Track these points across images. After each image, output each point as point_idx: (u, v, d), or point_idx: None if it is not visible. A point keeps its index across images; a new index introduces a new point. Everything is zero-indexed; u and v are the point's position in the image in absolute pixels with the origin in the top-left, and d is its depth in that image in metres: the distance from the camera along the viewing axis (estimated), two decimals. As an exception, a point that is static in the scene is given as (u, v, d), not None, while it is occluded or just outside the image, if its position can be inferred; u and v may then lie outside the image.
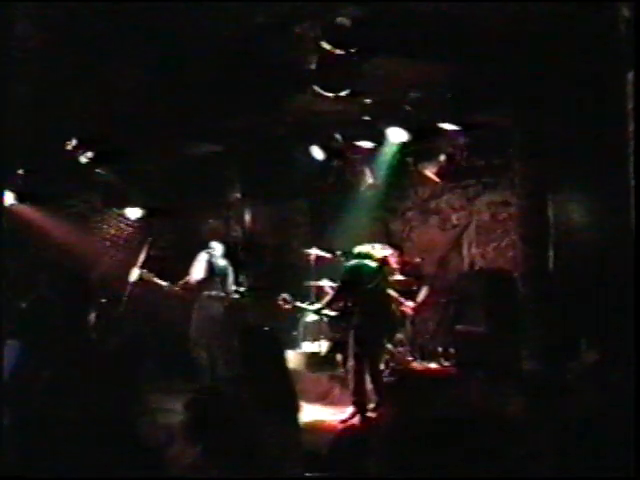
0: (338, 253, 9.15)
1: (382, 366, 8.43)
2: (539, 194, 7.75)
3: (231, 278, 8.08)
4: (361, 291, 7.31)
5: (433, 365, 8.74)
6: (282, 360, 3.91)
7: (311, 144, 9.07)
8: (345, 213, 10.31)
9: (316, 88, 6.84)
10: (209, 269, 7.86)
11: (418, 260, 9.52)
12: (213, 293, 7.80)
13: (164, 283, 7.76)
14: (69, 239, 9.85)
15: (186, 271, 8.12)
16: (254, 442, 2.78)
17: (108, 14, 5.68)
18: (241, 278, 8.38)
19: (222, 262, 8.08)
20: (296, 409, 3.65)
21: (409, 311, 9.09)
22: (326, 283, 9.11)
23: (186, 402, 2.84)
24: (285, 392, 3.60)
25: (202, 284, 7.85)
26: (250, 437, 2.78)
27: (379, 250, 9.40)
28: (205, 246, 8.28)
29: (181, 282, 7.86)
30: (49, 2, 5.60)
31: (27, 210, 9.36)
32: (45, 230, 9.74)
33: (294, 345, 8.85)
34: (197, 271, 7.77)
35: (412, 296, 9.12)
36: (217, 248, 7.92)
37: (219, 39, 6.26)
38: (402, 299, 9.05)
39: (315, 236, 10.31)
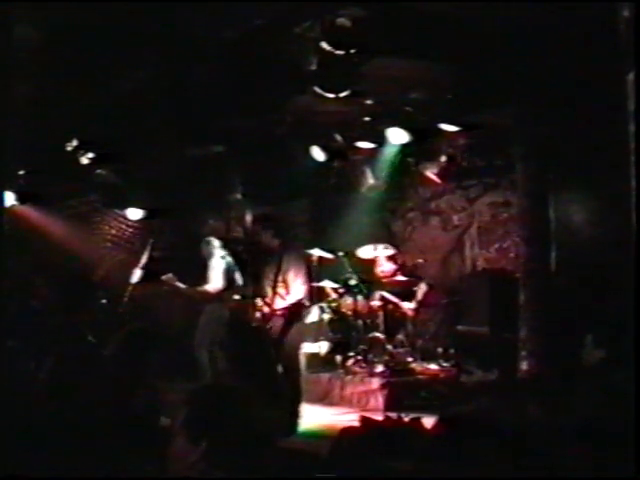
0: (339, 254, 9.17)
1: (381, 367, 8.45)
2: (540, 194, 7.75)
3: (242, 279, 7.98)
4: None
5: (433, 366, 8.72)
6: (272, 357, 3.93)
7: (312, 145, 9.06)
8: (346, 214, 10.31)
9: (316, 89, 6.83)
10: (227, 277, 7.78)
11: (419, 261, 9.52)
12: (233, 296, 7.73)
13: (183, 286, 7.71)
14: (70, 240, 9.85)
15: (189, 272, 8.09)
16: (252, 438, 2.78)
17: (108, 14, 5.68)
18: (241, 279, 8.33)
19: (231, 263, 7.99)
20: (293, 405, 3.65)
21: (409, 312, 9.10)
22: (327, 284, 9.12)
23: (185, 399, 2.84)
24: (277, 387, 3.61)
25: (221, 293, 7.78)
26: (248, 433, 2.78)
27: (381, 250, 9.43)
28: (205, 244, 8.23)
29: (200, 289, 7.78)
30: (49, 3, 5.60)
31: (28, 211, 9.36)
32: (46, 231, 9.74)
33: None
34: (215, 280, 7.71)
35: (411, 297, 9.12)
36: (216, 244, 7.87)
37: (219, 39, 6.26)
38: (400, 302, 9.06)
39: (316, 237, 10.31)
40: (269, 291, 7.14)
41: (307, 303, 7.27)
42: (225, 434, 2.72)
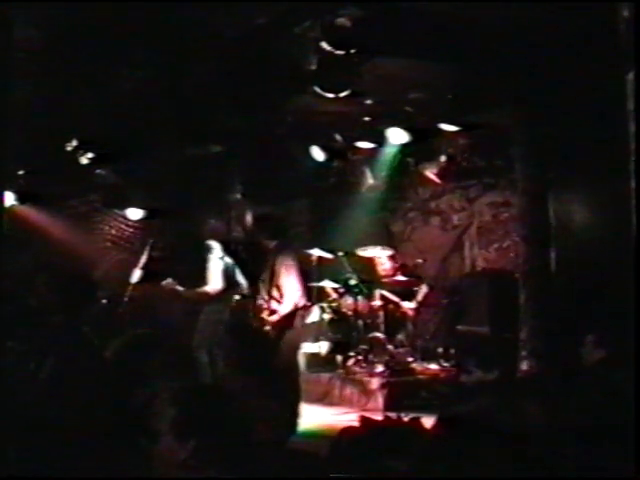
0: (339, 254, 9.18)
1: (381, 367, 8.45)
2: (540, 194, 7.75)
3: (242, 279, 7.96)
4: None
5: (433, 366, 8.72)
6: (270, 357, 3.94)
7: (311, 145, 9.07)
8: (346, 214, 10.31)
9: (316, 89, 6.84)
10: (226, 278, 7.76)
11: (419, 261, 9.52)
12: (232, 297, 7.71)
13: (183, 289, 7.70)
14: (70, 240, 9.85)
15: (188, 272, 8.08)
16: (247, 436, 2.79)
17: (108, 14, 5.68)
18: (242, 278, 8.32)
19: (230, 263, 7.97)
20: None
21: (409, 312, 9.10)
22: (327, 284, 9.12)
23: (171, 398, 2.83)
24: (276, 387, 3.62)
25: (220, 294, 7.77)
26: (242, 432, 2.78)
27: (379, 251, 9.43)
28: (206, 247, 8.23)
29: (199, 290, 7.77)
30: (49, 3, 5.60)
31: (28, 211, 9.36)
32: (46, 231, 9.74)
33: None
34: (215, 281, 7.70)
35: (411, 297, 9.12)
36: (216, 248, 7.88)
37: (219, 39, 6.26)
38: (400, 302, 9.06)
39: (316, 236, 10.31)
40: (264, 293, 7.13)
41: (300, 305, 7.22)
42: (220, 434, 2.72)
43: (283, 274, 7.04)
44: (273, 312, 7.00)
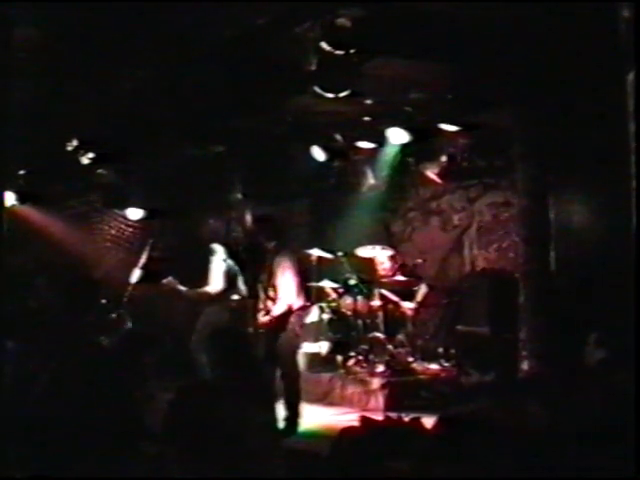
0: (339, 254, 9.18)
1: (381, 367, 8.45)
2: (540, 194, 7.74)
3: (241, 281, 7.96)
4: None
5: (433, 366, 8.72)
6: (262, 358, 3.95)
7: (312, 145, 9.07)
8: (346, 214, 10.32)
9: (316, 89, 6.84)
10: (227, 279, 7.76)
11: (419, 261, 9.52)
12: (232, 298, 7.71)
13: (184, 288, 7.70)
14: (70, 240, 9.86)
15: (188, 272, 8.09)
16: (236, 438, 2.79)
17: (108, 14, 5.68)
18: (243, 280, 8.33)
19: (232, 265, 7.97)
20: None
21: (409, 312, 9.09)
22: (327, 284, 9.12)
23: (170, 398, 2.85)
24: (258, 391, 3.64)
25: (221, 294, 7.77)
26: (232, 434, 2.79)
27: (379, 251, 9.43)
28: (207, 248, 8.24)
29: (200, 290, 7.76)
30: (49, 3, 5.60)
31: (28, 211, 9.37)
32: (46, 231, 9.76)
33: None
34: (216, 282, 7.71)
35: (411, 297, 9.12)
36: (219, 251, 7.88)
37: (219, 39, 6.26)
38: (399, 301, 9.06)
39: (316, 236, 10.31)
40: (262, 294, 7.12)
41: (295, 306, 7.21)
42: (219, 434, 2.73)
43: (279, 275, 7.04)
44: (269, 312, 7.00)
